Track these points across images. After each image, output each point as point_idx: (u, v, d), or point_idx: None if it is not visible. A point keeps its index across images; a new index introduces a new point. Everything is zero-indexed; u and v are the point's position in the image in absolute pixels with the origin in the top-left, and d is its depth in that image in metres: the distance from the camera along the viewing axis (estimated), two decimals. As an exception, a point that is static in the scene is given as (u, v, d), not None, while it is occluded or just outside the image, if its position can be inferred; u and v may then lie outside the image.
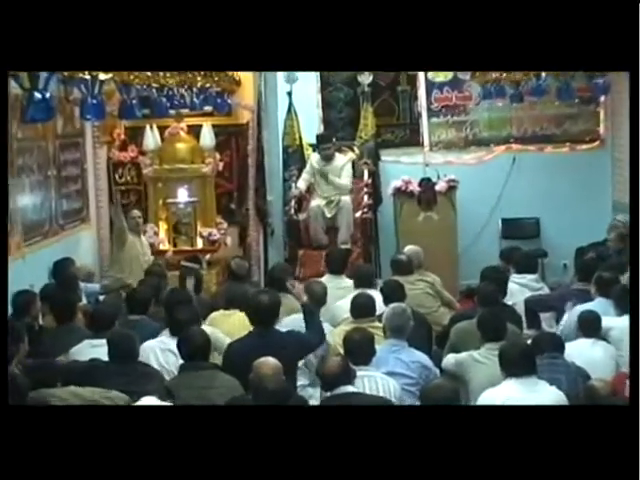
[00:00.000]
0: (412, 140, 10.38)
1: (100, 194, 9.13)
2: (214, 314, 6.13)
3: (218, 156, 9.32)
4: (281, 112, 9.82)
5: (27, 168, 7.06)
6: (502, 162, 10.29)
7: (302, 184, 9.54)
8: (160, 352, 5.39)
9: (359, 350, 5.03)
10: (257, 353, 4.77)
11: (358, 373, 4.79)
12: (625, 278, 6.09)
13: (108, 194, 9.26)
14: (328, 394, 4.61)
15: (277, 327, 5.41)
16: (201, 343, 4.97)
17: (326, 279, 6.95)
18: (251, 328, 5.36)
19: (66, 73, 5.63)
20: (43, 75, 5.05)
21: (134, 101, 7.03)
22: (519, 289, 6.96)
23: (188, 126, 9.27)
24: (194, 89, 8.14)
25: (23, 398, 4.18)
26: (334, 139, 9.65)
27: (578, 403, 4.74)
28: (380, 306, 5.98)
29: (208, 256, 9.11)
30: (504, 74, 8.63)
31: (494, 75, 8.87)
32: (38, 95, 5.01)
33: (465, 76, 10.17)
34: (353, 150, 9.92)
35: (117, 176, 9.47)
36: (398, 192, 9.63)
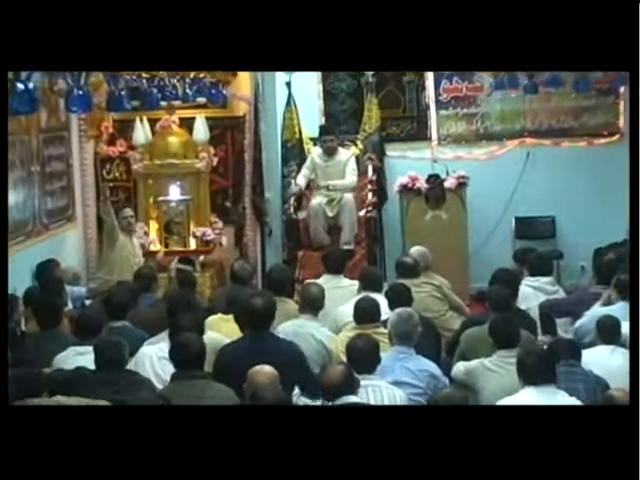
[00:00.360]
0: (419, 134, 10.38)
1: (87, 191, 9.15)
2: (212, 318, 6.13)
3: (212, 151, 9.33)
4: (280, 104, 9.83)
5: (9, 164, 7.06)
6: (515, 157, 10.29)
7: (302, 180, 9.52)
8: (156, 359, 5.39)
9: (363, 358, 5.02)
10: (251, 357, 4.78)
11: (362, 382, 4.79)
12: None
13: (95, 191, 9.27)
14: (329, 405, 4.61)
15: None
16: (196, 350, 4.97)
17: (324, 279, 6.95)
18: (252, 333, 5.38)
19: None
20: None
21: (123, 92, 7.03)
22: (533, 293, 6.96)
23: (180, 119, 9.27)
24: (187, 79, 8.15)
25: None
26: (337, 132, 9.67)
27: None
28: (385, 311, 5.99)
29: (202, 257, 9.12)
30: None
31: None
32: (21, 86, 5.01)
33: (476, 65, 10.16)
34: (356, 144, 9.92)
35: (105, 172, 9.49)
36: (404, 189, 9.62)
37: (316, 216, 9.34)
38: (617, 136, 10.42)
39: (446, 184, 9.57)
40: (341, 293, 6.73)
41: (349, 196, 9.33)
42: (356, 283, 7.05)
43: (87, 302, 7.34)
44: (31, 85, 5.11)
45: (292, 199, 9.53)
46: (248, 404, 4.44)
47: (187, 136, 9.21)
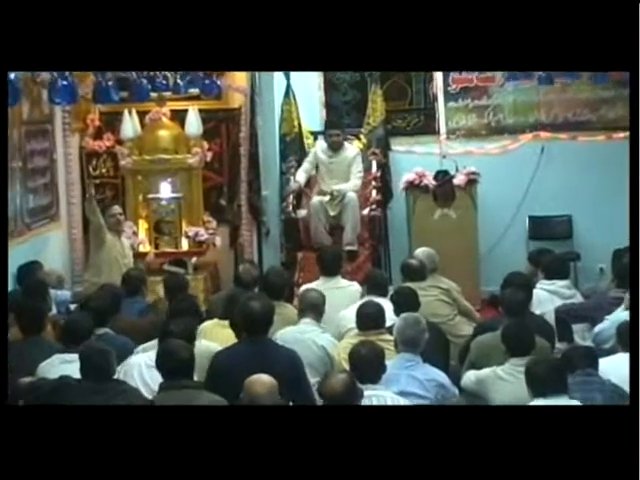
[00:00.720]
0: (427, 127, 10.37)
1: (72, 189, 9.16)
2: (206, 324, 6.13)
3: (206, 145, 9.34)
4: (278, 95, 9.83)
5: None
6: (529, 152, 10.29)
7: (302, 176, 9.48)
8: (146, 368, 5.39)
9: (367, 366, 5.03)
10: (247, 364, 4.80)
11: (366, 392, 4.79)
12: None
13: (80, 189, 9.28)
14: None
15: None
16: (185, 358, 4.96)
17: (320, 282, 6.97)
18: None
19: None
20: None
21: (110, 83, 7.04)
22: (548, 297, 6.97)
23: (172, 111, 9.29)
24: (178, 69, 8.16)
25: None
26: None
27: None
28: (390, 317, 5.99)
29: (194, 259, 9.13)
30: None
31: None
32: (1, 76, 5.02)
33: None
34: (359, 139, 9.91)
35: (91, 168, 9.51)
36: (411, 186, 9.62)
37: (317, 215, 9.28)
38: (638, 130, 10.42)
39: (455, 181, 9.57)
40: (340, 294, 6.74)
41: (352, 194, 9.25)
42: (355, 283, 7.07)
43: (72, 307, 7.34)
44: (12, 75, 5.12)
45: (291, 197, 9.50)
46: (240, 405, 4.50)
47: (179, 130, 9.21)
